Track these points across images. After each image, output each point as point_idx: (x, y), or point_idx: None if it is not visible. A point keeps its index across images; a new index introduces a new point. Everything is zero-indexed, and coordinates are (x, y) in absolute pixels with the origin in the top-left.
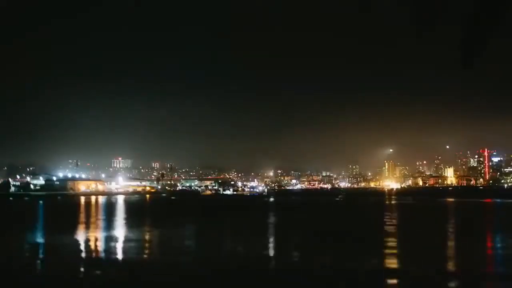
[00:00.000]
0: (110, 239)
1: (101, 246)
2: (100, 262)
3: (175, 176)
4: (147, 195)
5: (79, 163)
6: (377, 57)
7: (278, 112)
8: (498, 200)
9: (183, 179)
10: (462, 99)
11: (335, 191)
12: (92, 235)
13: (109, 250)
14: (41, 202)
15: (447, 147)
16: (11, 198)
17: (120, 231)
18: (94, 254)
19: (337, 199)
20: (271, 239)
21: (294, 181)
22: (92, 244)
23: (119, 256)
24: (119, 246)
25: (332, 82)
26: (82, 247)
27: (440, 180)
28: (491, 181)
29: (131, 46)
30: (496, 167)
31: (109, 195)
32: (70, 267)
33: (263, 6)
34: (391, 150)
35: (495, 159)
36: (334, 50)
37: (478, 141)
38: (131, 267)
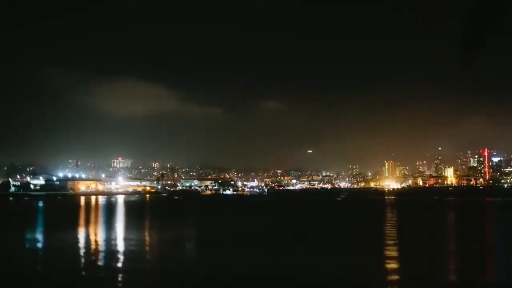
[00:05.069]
0: None
1: None
2: None
3: (175, 176)
4: (147, 195)
5: (79, 163)
6: (378, 57)
7: (278, 113)
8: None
9: (183, 179)
10: (462, 100)
11: (336, 190)
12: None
13: None
14: (40, 202)
15: (439, 148)
16: (11, 198)
17: None
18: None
19: (339, 198)
20: None
21: (294, 181)
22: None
23: None
24: None
25: (332, 83)
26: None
27: (440, 180)
28: (491, 181)
29: (132, 45)
30: (496, 167)
31: (109, 195)
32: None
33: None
34: (309, 151)
35: (495, 159)
36: (334, 51)
37: (478, 141)
38: None
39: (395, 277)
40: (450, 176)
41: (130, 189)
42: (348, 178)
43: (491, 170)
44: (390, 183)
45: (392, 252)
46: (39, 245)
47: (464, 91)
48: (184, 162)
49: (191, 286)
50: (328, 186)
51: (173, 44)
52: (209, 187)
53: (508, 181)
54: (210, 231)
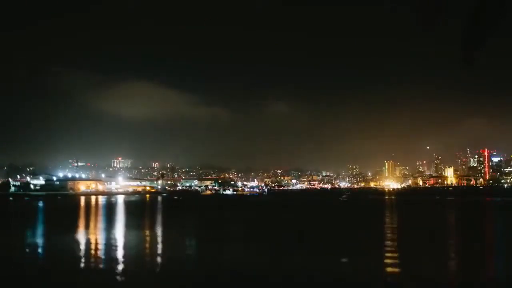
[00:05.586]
0: None
1: None
2: None
3: (175, 176)
4: (147, 195)
5: (79, 163)
6: (378, 57)
7: (278, 113)
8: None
9: (183, 179)
10: (462, 100)
11: (336, 190)
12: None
13: None
14: (40, 202)
15: (428, 147)
16: (11, 198)
17: None
18: None
19: (341, 199)
20: None
21: (294, 181)
22: None
23: None
24: None
25: (332, 83)
26: None
27: (440, 180)
28: (491, 181)
29: (132, 45)
30: (496, 167)
31: (109, 195)
32: None
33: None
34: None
35: (495, 159)
36: (334, 51)
37: (478, 141)
38: None
39: (395, 277)
40: (450, 176)
41: (130, 189)
42: (348, 178)
43: (491, 170)
44: (390, 183)
45: (392, 252)
46: (39, 245)
47: (464, 91)
48: (184, 162)
49: (191, 286)
50: (328, 186)
51: (173, 44)
52: (209, 187)
53: (508, 181)
54: (210, 231)
